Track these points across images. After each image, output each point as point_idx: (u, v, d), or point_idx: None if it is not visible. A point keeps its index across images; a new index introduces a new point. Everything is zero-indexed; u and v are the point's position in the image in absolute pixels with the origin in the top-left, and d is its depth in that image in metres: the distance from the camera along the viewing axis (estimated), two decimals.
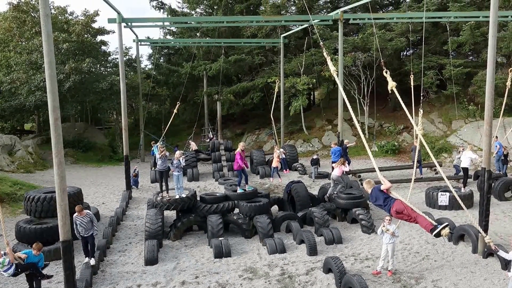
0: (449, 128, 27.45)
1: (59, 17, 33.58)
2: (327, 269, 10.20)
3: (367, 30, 28.14)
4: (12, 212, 15.90)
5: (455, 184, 17.98)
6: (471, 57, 31.05)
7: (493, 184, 15.41)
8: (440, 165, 20.98)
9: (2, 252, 8.77)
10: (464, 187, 16.40)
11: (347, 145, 20.50)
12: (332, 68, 8.36)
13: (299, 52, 32.46)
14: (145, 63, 44.73)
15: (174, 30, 39.47)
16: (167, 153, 15.52)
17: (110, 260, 11.75)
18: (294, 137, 32.55)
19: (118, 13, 19.39)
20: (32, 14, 31.49)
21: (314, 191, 17.49)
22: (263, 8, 33.17)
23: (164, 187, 14.48)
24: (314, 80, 29.65)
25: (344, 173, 15.88)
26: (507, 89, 15.92)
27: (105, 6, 18.46)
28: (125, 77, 20.42)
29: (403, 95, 9.57)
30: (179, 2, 53.65)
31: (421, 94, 20.79)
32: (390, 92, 8.14)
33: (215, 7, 35.98)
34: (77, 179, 22.74)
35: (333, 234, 12.53)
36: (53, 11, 32.91)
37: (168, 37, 39.84)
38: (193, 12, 38.24)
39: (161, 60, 40.98)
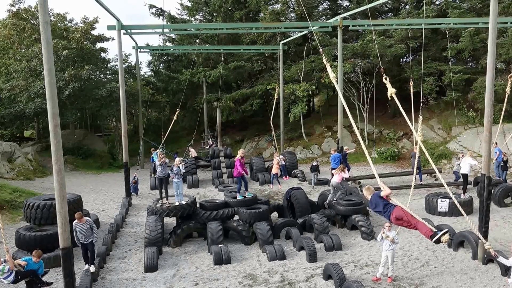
0: (449, 134, 27.47)
1: (59, 24, 33.65)
2: (327, 276, 10.19)
3: (367, 37, 28.21)
4: (11, 219, 15.87)
5: (454, 191, 17.97)
6: (470, 64, 31.15)
7: (492, 190, 15.40)
8: (440, 172, 20.99)
9: (2, 259, 8.77)
10: (463, 193, 16.40)
11: (347, 152, 20.51)
12: (331, 74, 8.38)
13: (299, 59, 32.54)
14: (145, 70, 44.86)
15: (173, 37, 39.54)
16: (167, 160, 15.52)
17: (110, 267, 11.73)
18: (294, 143, 32.55)
19: (118, 20, 19.46)
20: (32, 21, 31.55)
21: (314, 197, 17.48)
22: (263, 15, 33.28)
23: (163, 194, 14.47)
24: (314, 87, 29.70)
25: (344, 179, 15.88)
26: (506, 95, 15.94)
27: (105, 13, 18.60)
28: (124, 84, 20.45)
29: (403, 101, 9.58)
30: (178, 9, 54.07)
31: (421, 101, 20.76)
32: (389, 98, 8.15)
33: (214, 14, 36.09)
34: (77, 186, 22.72)
35: (332, 241, 12.52)
36: (52, 18, 33.00)
37: (168, 44, 39.91)
38: (192, 19, 38.37)
39: (160, 67, 41.02)
